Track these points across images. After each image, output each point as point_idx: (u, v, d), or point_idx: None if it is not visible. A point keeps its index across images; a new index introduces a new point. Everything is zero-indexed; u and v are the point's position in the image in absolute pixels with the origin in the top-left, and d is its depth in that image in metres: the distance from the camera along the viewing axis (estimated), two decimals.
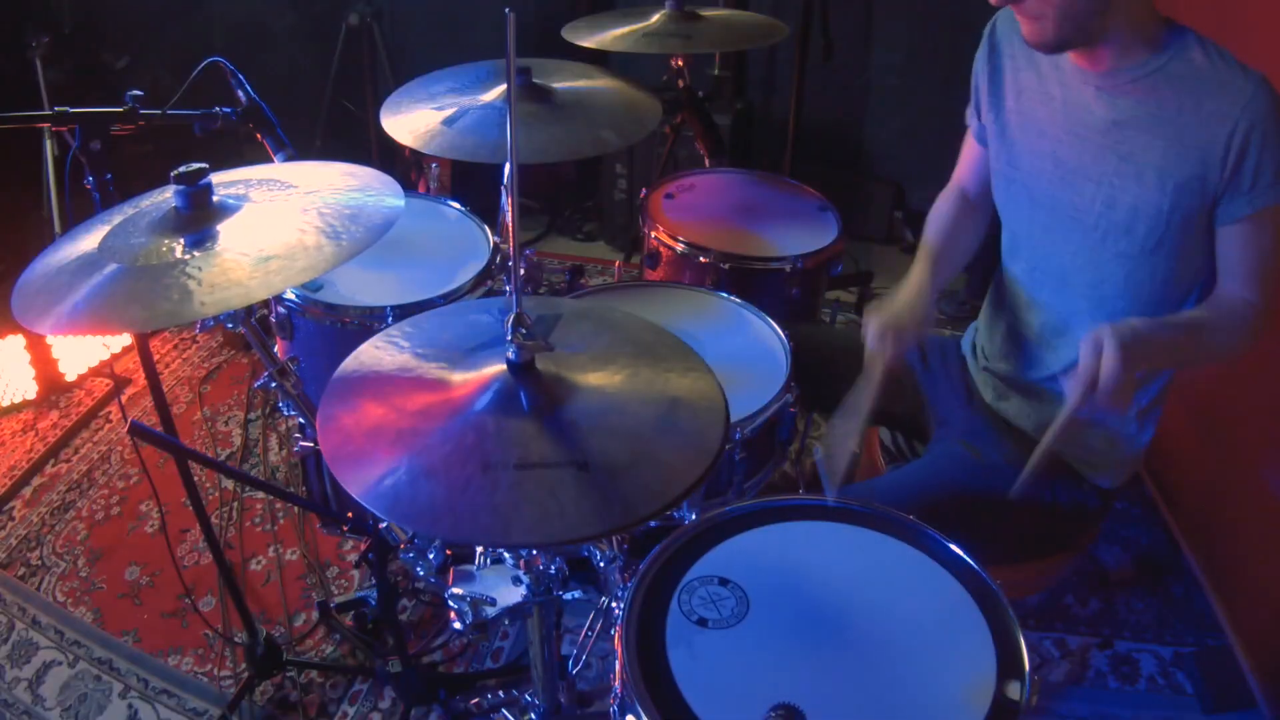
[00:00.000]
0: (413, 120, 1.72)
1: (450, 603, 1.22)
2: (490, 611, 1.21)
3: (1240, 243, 1.31)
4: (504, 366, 1.05)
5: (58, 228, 2.89)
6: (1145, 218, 1.33)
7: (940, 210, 1.68)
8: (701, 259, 1.93)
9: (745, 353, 1.66)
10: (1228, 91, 1.25)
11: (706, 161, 2.47)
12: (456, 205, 2.02)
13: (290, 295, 1.72)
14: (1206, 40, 1.30)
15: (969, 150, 1.65)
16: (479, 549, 1.26)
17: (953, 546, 1.16)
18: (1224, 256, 1.33)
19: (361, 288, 1.74)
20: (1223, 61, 1.27)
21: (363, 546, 1.56)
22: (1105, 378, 1.20)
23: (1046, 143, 1.43)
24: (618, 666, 1.02)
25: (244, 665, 1.96)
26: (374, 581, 1.65)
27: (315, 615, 2.08)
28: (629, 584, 1.11)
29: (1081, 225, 1.41)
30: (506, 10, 0.92)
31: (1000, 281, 1.61)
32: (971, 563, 1.14)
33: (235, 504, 2.42)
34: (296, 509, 2.39)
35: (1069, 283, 1.46)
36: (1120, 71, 1.32)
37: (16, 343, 2.62)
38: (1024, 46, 1.43)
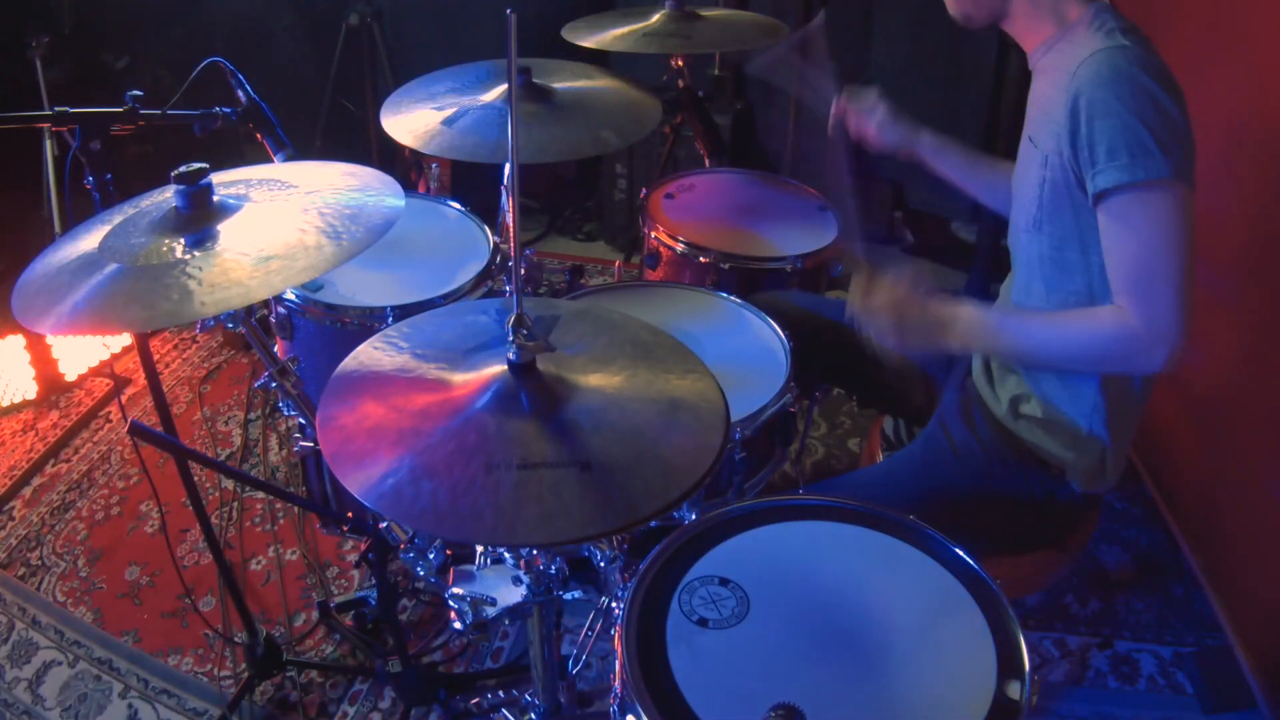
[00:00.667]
0: (413, 120, 1.72)
1: (450, 603, 1.22)
2: (490, 611, 1.21)
3: (1106, 235, 1.26)
4: (504, 367, 1.05)
5: (58, 228, 2.89)
6: (1030, 189, 1.37)
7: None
8: (701, 259, 1.93)
9: (745, 353, 1.66)
10: (1071, 60, 1.24)
11: (706, 161, 2.47)
12: (456, 205, 2.02)
13: (290, 295, 1.71)
14: (1107, 14, 1.27)
15: None
16: (479, 549, 1.26)
17: (953, 546, 1.16)
18: (1102, 249, 1.28)
19: (361, 288, 1.74)
20: (1094, 32, 1.25)
21: (363, 546, 1.56)
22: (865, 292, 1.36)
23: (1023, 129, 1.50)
24: (618, 666, 1.02)
25: (244, 665, 1.96)
26: (374, 581, 1.66)
27: (315, 615, 2.08)
28: (629, 584, 1.11)
29: (1017, 204, 1.46)
30: (508, 10, 0.92)
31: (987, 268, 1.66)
32: (972, 563, 1.14)
33: (235, 504, 2.42)
34: (296, 509, 2.39)
35: (1016, 258, 1.51)
36: (1035, 52, 1.37)
37: (16, 343, 2.62)
38: None
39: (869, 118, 1.74)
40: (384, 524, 1.40)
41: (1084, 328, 1.31)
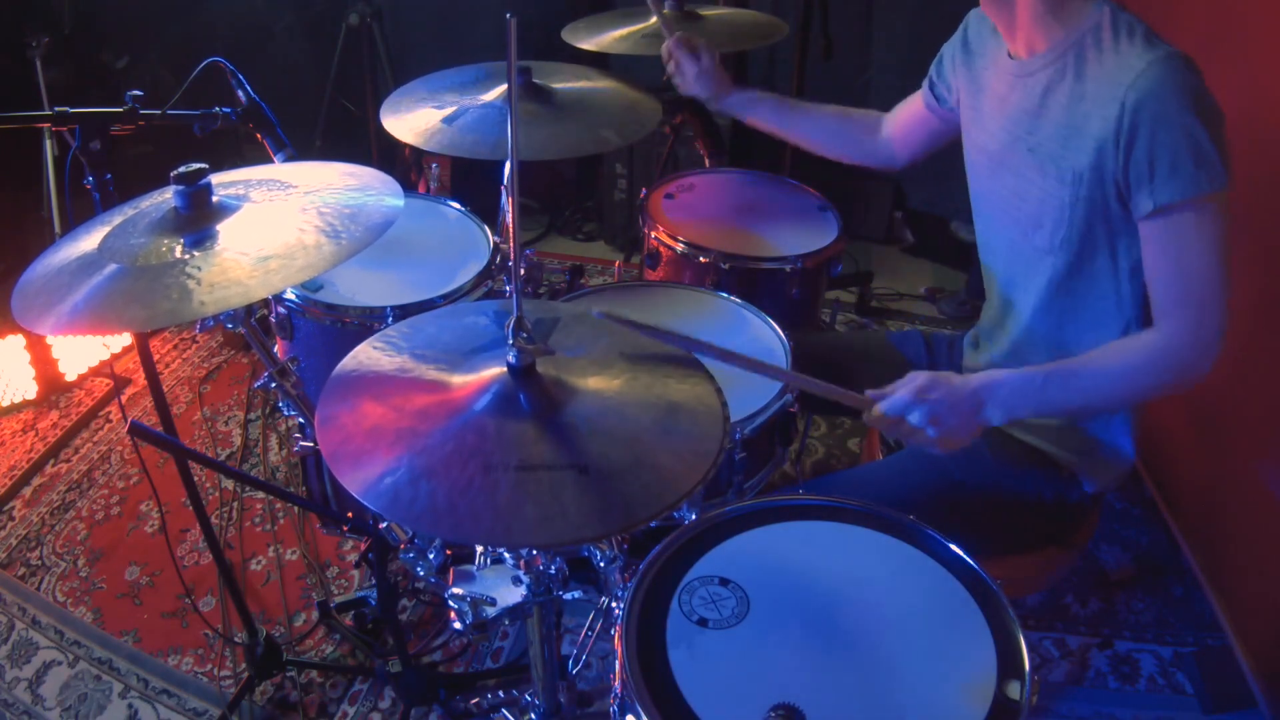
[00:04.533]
0: (413, 118, 1.72)
1: (450, 603, 1.22)
2: (490, 611, 1.21)
3: (1156, 249, 1.22)
4: (504, 369, 1.05)
5: (58, 228, 2.89)
6: (1051, 210, 1.32)
7: (855, 110, 1.84)
8: (701, 259, 1.92)
9: (745, 352, 1.65)
10: (1119, 71, 1.19)
11: (706, 161, 2.47)
12: (456, 205, 2.02)
13: (290, 295, 1.71)
14: (1123, 15, 1.23)
15: (913, 103, 1.72)
16: (479, 549, 1.26)
17: (953, 546, 1.16)
18: (1146, 266, 1.25)
19: (361, 288, 1.74)
20: (1127, 38, 1.21)
21: (363, 546, 1.56)
22: (885, 408, 1.24)
23: (983, 136, 1.45)
24: (618, 666, 1.03)
25: (244, 665, 1.96)
26: (374, 581, 1.66)
27: (315, 615, 2.08)
28: (629, 584, 1.11)
29: (1007, 218, 1.42)
30: (508, 15, 0.92)
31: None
32: (972, 562, 1.14)
33: (235, 504, 2.42)
34: (296, 509, 2.39)
35: (1008, 277, 1.49)
36: (1034, 59, 1.32)
37: (16, 343, 2.63)
38: (984, 44, 1.46)
39: (691, 61, 1.83)
40: (384, 524, 1.40)
41: (1132, 365, 1.25)
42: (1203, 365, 1.22)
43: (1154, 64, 1.16)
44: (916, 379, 1.24)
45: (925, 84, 1.66)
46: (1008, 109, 1.38)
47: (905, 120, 1.74)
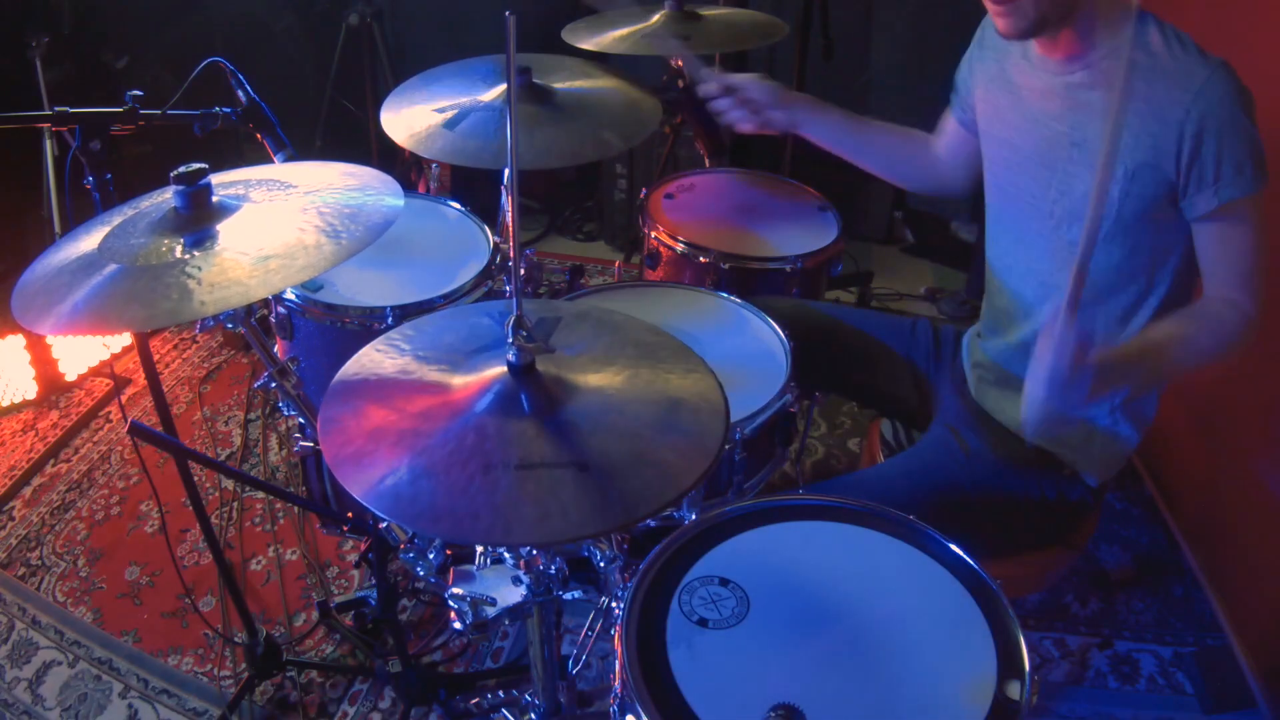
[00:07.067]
0: (413, 122, 1.72)
1: (450, 603, 1.22)
2: (490, 611, 1.21)
3: (1217, 241, 1.30)
4: (504, 369, 1.05)
5: (58, 228, 2.89)
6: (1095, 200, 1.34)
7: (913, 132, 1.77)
8: (701, 259, 1.93)
9: (745, 353, 1.66)
10: (1181, 78, 1.25)
11: (706, 161, 2.47)
12: (456, 205, 2.02)
13: (290, 295, 1.71)
14: (1167, 26, 1.29)
15: (947, 123, 1.70)
16: (479, 549, 1.26)
17: (953, 546, 1.16)
18: (1204, 256, 1.32)
19: (361, 288, 1.74)
20: (1180, 47, 1.27)
21: (363, 546, 1.56)
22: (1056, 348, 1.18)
23: (1006, 130, 1.46)
24: (618, 666, 1.03)
25: (244, 665, 1.96)
26: (374, 581, 1.66)
27: (315, 615, 2.08)
28: (629, 584, 1.11)
29: (1038, 212, 1.43)
30: (507, 14, 0.92)
31: (984, 271, 1.63)
32: (971, 562, 1.14)
33: (235, 504, 2.42)
34: (296, 509, 2.39)
35: (1031, 271, 1.49)
36: (1077, 58, 1.34)
37: (16, 343, 2.63)
38: (1009, 43, 1.46)
39: (755, 94, 1.69)
40: (384, 524, 1.40)
41: (1221, 328, 1.31)
42: (1249, 336, 1.30)
43: (1215, 73, 1.23)
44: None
45: (952, 107, 1.65)
46: (1048, 105, 1.39)
47: (948, 143, 1.70)
